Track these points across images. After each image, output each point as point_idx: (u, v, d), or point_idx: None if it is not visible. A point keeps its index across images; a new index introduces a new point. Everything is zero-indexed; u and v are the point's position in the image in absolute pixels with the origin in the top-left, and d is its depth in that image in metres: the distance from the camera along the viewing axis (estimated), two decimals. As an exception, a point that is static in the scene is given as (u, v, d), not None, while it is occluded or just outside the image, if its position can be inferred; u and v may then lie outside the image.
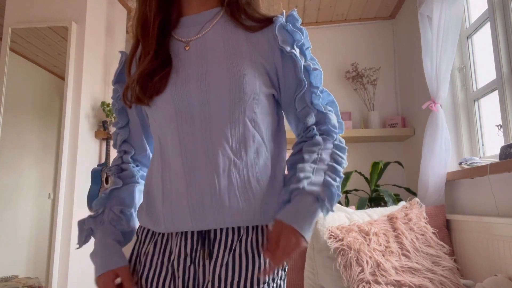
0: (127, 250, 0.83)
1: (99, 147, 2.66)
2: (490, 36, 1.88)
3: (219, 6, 0.88)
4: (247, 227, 0.80)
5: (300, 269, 2.04)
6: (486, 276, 1.70)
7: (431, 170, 2.18)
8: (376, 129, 2.81)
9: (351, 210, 2.05)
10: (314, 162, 0.79)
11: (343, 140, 0.86)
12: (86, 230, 0.89)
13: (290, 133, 1.23)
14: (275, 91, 0.87)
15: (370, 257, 1.69)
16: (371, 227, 1.83)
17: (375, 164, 2.59)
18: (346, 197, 2.63)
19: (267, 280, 0.77)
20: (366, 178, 2.64)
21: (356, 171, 2.64)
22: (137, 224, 0.93)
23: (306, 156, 0.80)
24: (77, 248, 0.91)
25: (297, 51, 0.83)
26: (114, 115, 2.13)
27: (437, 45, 2.14)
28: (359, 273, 1.65)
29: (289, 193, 0.78)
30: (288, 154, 0.88)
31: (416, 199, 2.05)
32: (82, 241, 0.90)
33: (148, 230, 0.87)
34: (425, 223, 1.94)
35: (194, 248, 0.80)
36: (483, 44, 2.13)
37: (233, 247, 0.78)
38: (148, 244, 0.85)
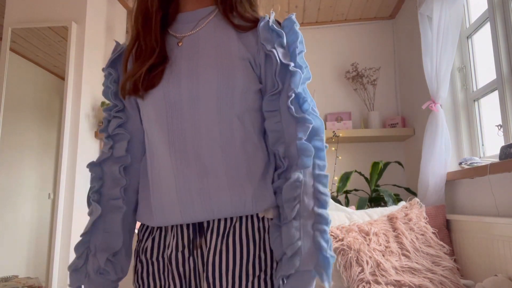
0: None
1: (99, 147, 2.66)
2: (490, 36, 1.87)
3: (214, 4, 0.89)
4: (240, 216, 0.80)
5: (300, 269, 2.03)
6: (486, 276, 1.70)
7: (431, 170, 2.17)
8: (376, 129, 2.80)
9: (351, 210, 2.05)
10: (298, 216, 0.74)
11: (323, 156, 0.79)
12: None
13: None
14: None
15: (370, 257, 1.69)
16: (371, 227, 1.83)
17: (375, 164, 2.59)
18: (346, 197, 2.62)
19: (263, 268, 0.78)
20: (366, 178, 2.64)
21: (356, 171, 2.64)
22: (130, 260, 0.89)
23: (287, 210, 0.76)
24: None
25: (279, 51, 0.81)
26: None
27: (437, 45, 2.14)
28: (359, 273, 1.65)
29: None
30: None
31: (416, 199, 2.05)
32: None
33: (147, 226, 0.87)
34: (425, 223, 1.94)
35: (191, 239, 0.81)
36: (483, 44, 2.13)
37: (225, 234, 0.79)
38: (147, 240, 0.86)
